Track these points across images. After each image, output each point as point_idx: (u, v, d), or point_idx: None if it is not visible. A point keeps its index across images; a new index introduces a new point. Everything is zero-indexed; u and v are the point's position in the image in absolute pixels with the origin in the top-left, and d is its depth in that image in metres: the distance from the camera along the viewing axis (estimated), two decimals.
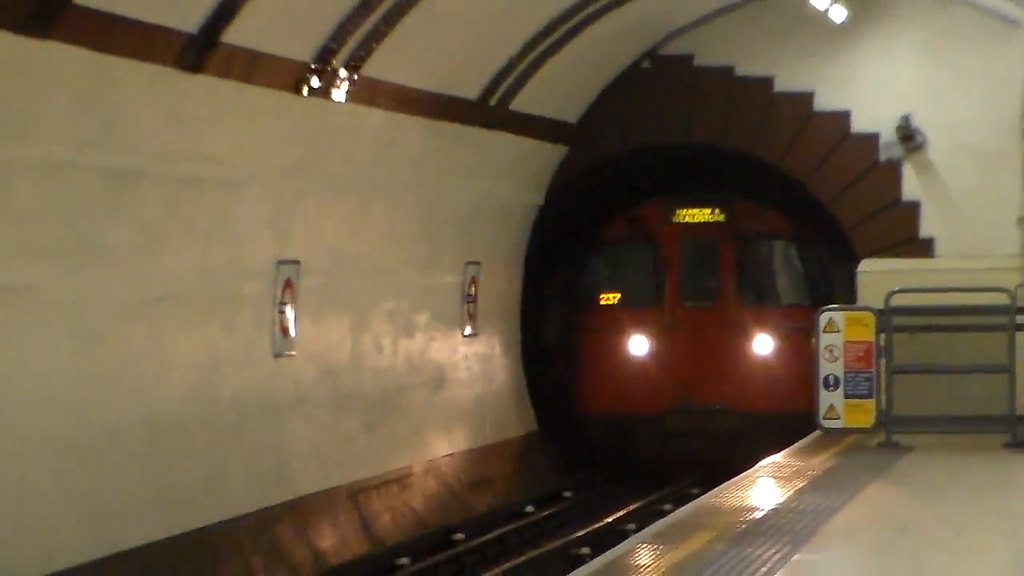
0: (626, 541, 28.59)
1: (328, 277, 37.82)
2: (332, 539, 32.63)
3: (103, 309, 24.43)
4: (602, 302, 31.38)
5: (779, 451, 31.43)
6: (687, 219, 31.87)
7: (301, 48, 30.09)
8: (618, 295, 31.53)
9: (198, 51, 27.52)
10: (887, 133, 45.86)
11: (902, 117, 45.54)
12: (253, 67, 29.93)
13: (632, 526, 34.93)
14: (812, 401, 34.23)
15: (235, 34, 28.86)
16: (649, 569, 23.88)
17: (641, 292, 31.50)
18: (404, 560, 31.82)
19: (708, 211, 32.41)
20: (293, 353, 37.17)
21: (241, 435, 34.91)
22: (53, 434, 26.72)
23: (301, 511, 34.27)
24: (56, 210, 25.32)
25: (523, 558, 32.55)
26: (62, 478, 27.11)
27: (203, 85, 28.62)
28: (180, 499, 31.92)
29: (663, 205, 34.13)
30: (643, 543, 25.06)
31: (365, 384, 35.69)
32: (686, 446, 30.98)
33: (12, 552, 25.83)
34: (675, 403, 31.63)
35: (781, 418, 30.32)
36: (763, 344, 30.63)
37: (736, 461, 29.84)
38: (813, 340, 43.89)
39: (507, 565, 32.41)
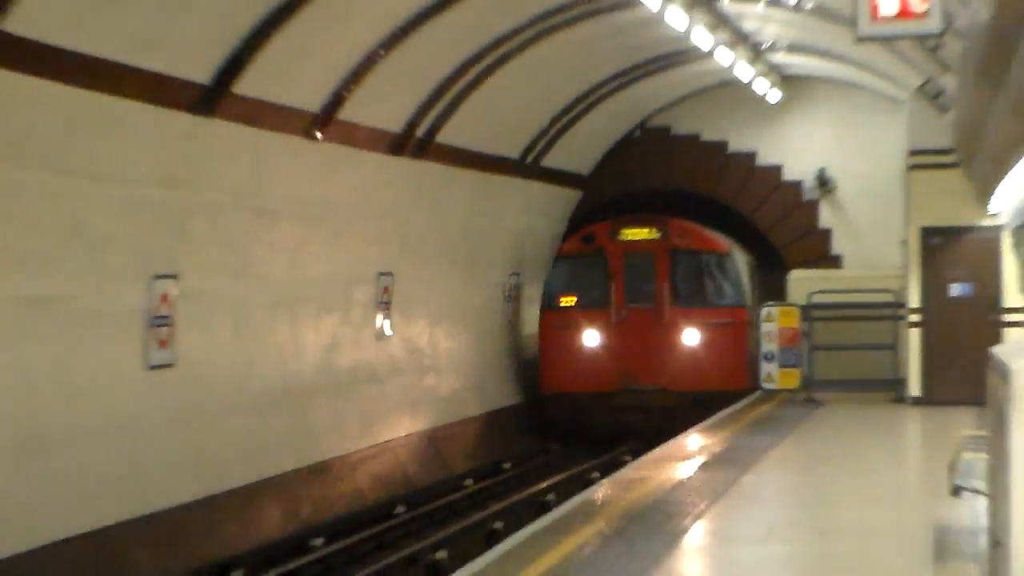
0: (624, 468, 29.73)
1: (413, 285, 37.12)
2: (417, 465, 33.64)
3: (255, 307, 24.49)
4: (562, 303, 31.83)
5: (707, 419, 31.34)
6: (630, 236, 31.90)
7: (393, 122, 29.95)
8: (575, 298, 31.82)
9: (319, 125, 27.58)
10: (808, 181, 46.96)
11: (819, 170, 46.80)
12: (357, 135, 29.78)
13: (596, 475, 34.11)
14: (732, 382, 36.08)
15: (345, 112, 28.74)
16: (643, 481, 25.91)
17: (593, 296, 31.53)
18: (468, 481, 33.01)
19: (647, 230, 32.25)
20: (390, 334, 37.44)
21: (355, 393, 34.89)
22: (222, 392, 27.23)
23: (396, 447, 34.99)
24: (221, 238, 25.86)
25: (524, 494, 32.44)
26: (230, 421, 27.74)
27: (322, 149, 28.61)
28: (310, 437, 32.33)
29: (610, 225, 33.98)
30: (632, 469, 26.19)
31: (439, 359, 35.77)
32: (630, 419, 31.15)
33: (220, 468, 27.13)
34: (621, 384, 31.45)
35: (706, 396, 30.58)
36: (691, 337, 30.63)
37: (670, 431, 30.13)
38: (758, 327, 45.04)
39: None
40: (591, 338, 30.29)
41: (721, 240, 32.25)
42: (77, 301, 19.40)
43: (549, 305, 32.73)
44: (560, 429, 33.17)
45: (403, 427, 36.03)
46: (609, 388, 30.49)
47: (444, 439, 35.55)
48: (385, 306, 36.92)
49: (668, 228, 31.86)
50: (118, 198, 20.47)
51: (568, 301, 31.26)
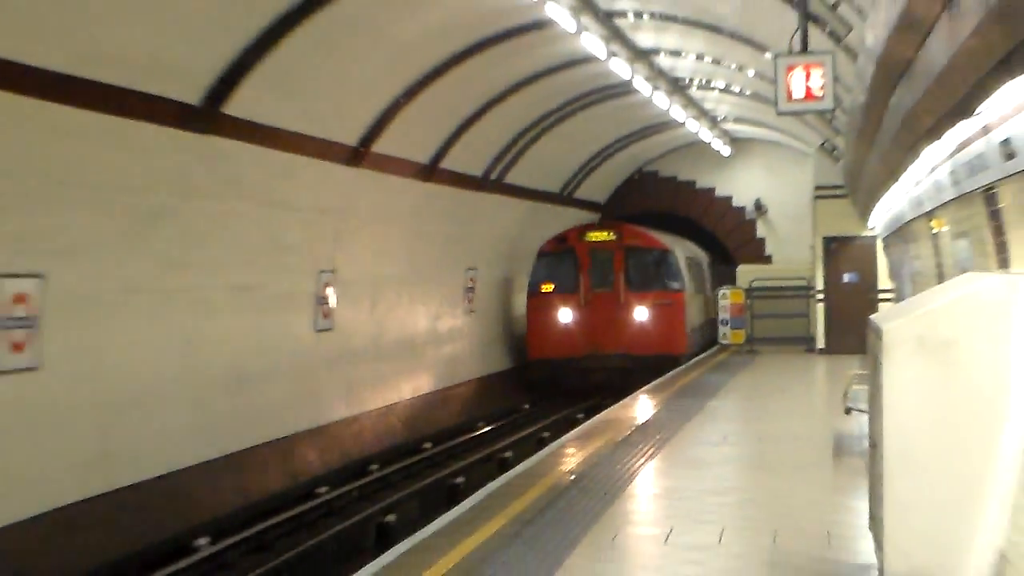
0: (626, 398, 28.26)
1: (484, 276, 37.21)
2: (435, 416, 31.44)
3: (385, 290, 23.75)
4: (543, 290, 31.11)
5: (656, 378, 30.23)
6: (593, 238, 31.39)
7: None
8: (553, 285, 31.34)
9: (356, 156, 24.99)
10: (749, 207, 47.08)
11: (756, 199, 47.06)
12: (388, 164, 26.89)
13: (581, 415, 31.72)
14: (673, 347, 34.34)
15: (379, 146, 25.87)
16: (640, 406, 24.17)
17: (566, 283, 31.02)
18: (483, 424, 32.13)
19: (606, 233, 31.84)
20: (474, 311, 37.06)
21: (449, 347, 34.66)
22: (362, 346, 26.17)
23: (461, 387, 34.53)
24: (361, 245, 25.08)
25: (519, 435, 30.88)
26: (368, 366, 26.50)
27: (357, 175, 25.50)
28: (422, 377, 31.48)
29: (579, 230, 33.59)
30: (631, 399, 24.82)
31: (440, 333, 33.05)
32: (595, 377, 30.71)
33: (361, 396, 26.41)
34: (588, 351, 30.94)
35: (654, 359, 30.09)
36: (641, 314, 30.15)
37: (629, 387, 29.00)
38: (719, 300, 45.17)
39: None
40: (564, 316, 30.04)
41: (664, 240, 31.84)
42: (270, 288, 19.54)
43: (532, 291, 32.18)
44: (543, 386, 32.40)
45: (472, 371, 35.65)
46: (579, 354, 30.16)
47: (451, 397, 33.99)
48: (471, 291, 36.43)
49: (622, 231, 31.45)
50: (297, 220, 20.47)
51: (547, 288, 30.85)
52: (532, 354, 31.31)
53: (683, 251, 34.88)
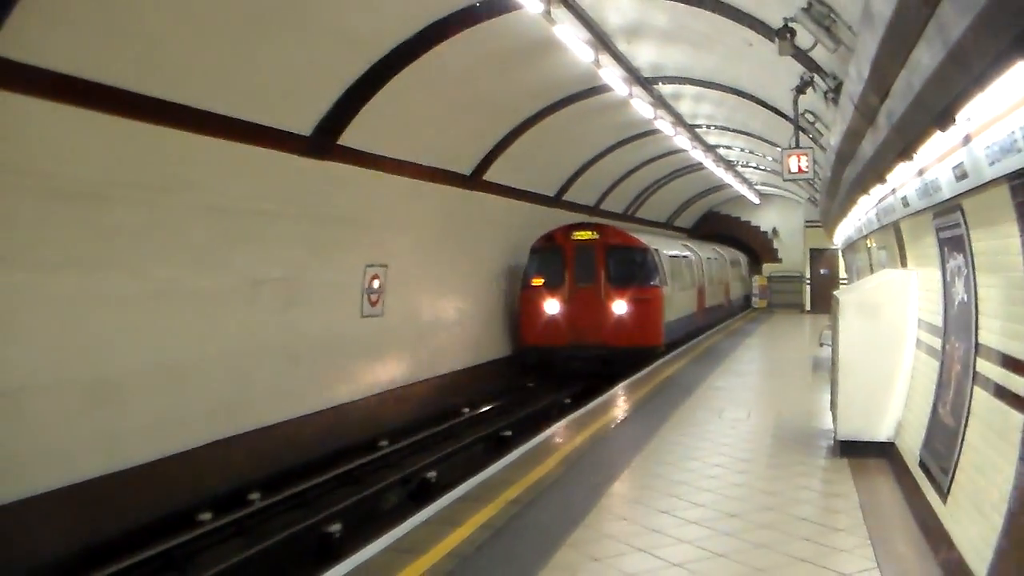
0: (618, 386, 17.09)
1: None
2: (450, 399, 19.07)
3: (426, 284, 18.21)
4: (533, 284, 22.72)
5: (633, 370, 20.25)
6: (578, 237, 22.85)
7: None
8: (543, 279, 22.69)
9: (470, 182, 18.55)
10: (770, 231, 45.22)
11: (773, 227, 45.03)
12: (495, 189, 20.28)
13: (578, 391, 21.82)
14: (649, 340, 22.83)
15: (488, 175, 19.07)
16: (650, 378, 20.18)
17: (554, 278, 22.50)
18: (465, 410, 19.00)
19: (590, 232, 23.17)
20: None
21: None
22: (402, 328, 17.49)
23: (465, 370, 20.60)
24: (409, 246, 17.24)
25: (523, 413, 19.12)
26: (403, 345, 17.66)
27: (472, 195, 18.87)
28: (447, 354, 19.41)
29: (565, 229, 23.89)
30: (629, 381, 17.60)
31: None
32: (578, 365, 22.63)
33: (397, 372, 17.41)
34: (571, 340, 22.57)
35: (631, 351, 22.14)
36: (621, 308, 22.19)
37: (609, 375, 21.30)
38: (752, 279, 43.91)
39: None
40: (551, 307, 22.28)
41: (644, 240, 23.61)
42: (328, 279, 15.08)
43: (525, 284, 23.37)
44: (534, 370, 23.79)
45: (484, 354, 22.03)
46: (563, 343, 22.40)
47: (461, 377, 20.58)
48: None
49: (605, 231, 23.08)
50: (353, 229, 15.51)
51: (538, 282, 22.63)
52: (524, 341, 23.46)
53: (667, 250, 25.72)
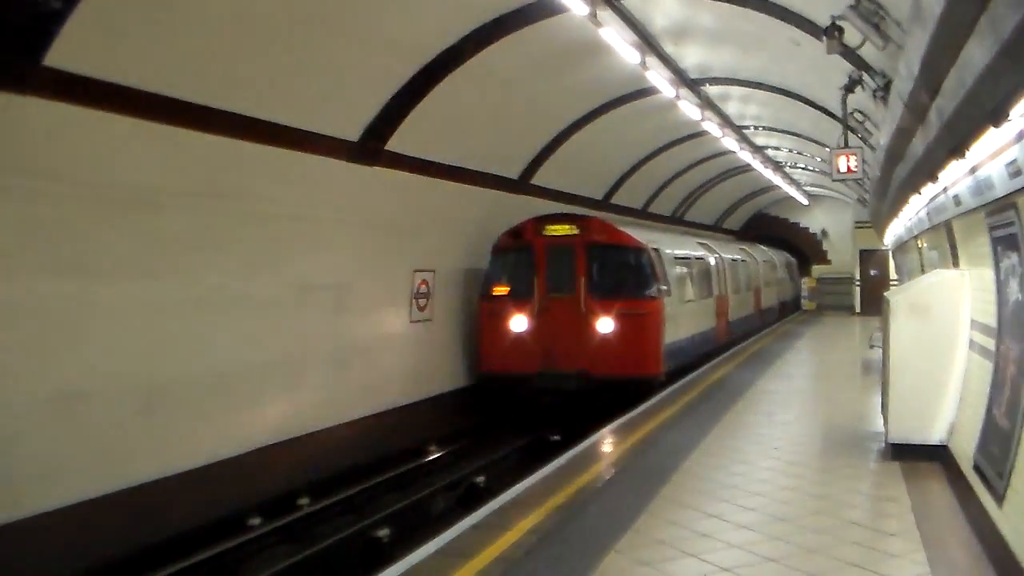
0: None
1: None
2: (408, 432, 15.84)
3: (469, 287, 17.73)
4: (495, 293, 17.85)
5: (622, 408, 15.19)
6: (552, 232, 17.97)
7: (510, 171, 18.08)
8: (507, 288, 17.83)
9: (518, 186, 18.32)
10: (819, 233, 44.91)
11: (822, 228, 44.73)
12: (544, 194, 19.56)
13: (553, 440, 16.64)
14: (643, 369, 17.37)
15: (536, 179, 18.95)
16: (692, 386, 19.34)
17: (521, 285, 17.63)
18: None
19: (567, 226, 18.25)
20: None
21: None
22: (448, 331, 17.36)
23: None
24: (454, 250, 17.18)
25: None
26: (450, 348, 17.63)
27: (521, 199, 18.51)
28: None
29: (536, 223, 18.62)
30: (614, 427, 18.51)
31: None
32: (550, 399, 17.71)
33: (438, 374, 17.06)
34: (541, 368, 17.51)
35: (619, 382, 17.22)
36: (606, 325, 17.28)
37: (587, 411, 16.60)
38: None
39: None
40: (517, 324, 17.49)
41: (638, 238, 18.48)
42: (376, 287, 14.87)
43: (484, 293, 18.22)
44: (495, 404, 18.57)
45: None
46: (530, 370, 17.38)
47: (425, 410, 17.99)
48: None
49: (587, 225, 18.12)
50: (401, 236, 15.37)
51: (501, 290, 17.85)
52: (482, 366, 18.02)
53: (673, 249, 20.27)
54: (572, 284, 17.27)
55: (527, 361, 17.21)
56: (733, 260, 27.34)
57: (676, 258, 19.85)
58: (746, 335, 28.13)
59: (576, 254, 17.33)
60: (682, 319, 19.30)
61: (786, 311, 38.85)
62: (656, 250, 18.20)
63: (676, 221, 32.90)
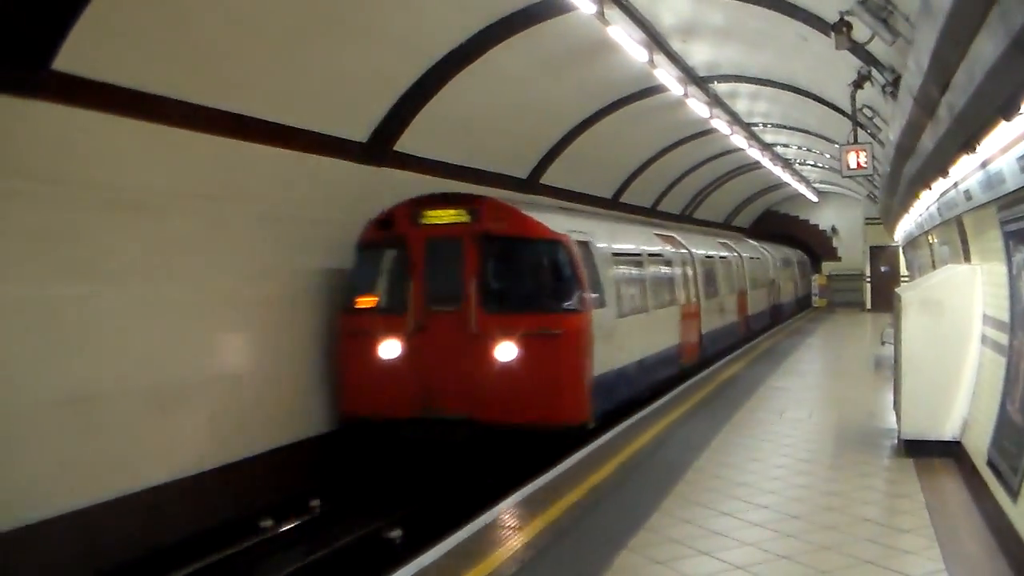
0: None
1: None
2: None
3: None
4: (359, 306, 11.75)
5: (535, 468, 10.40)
6: (434, 220, 11.63)
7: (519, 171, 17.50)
8: (374, 298, 11.85)
9: (526, 186, 17.90)
10: (829, 229, 44.93)
11: (832, 225, 44.74)
12: (553, 193, 18.97)
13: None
14: (557, 413, 11.57)
15: (544, 179, 18.63)
16: (702, 385, 18.96)
17: (392, 296, 11.60)
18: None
19: (454, 211, 11.81)
20: None
21: None
22: None
23: None
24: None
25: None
26: None
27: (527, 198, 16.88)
28: None
29: (413, 206, 12.08)
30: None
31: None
32: (428, 453, 11.81)
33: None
34: (417, 411, 11.46)
35: (524, 431, 11.29)
36: (506, 352, 11.08)
37: (477, 471, 11.83)
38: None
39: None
40: (388, 349, 11.82)
41: (554, 226, 12.27)
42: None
43: (346, 307, 12.25)
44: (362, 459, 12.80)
45: None
46: (402, 414, 11.85)
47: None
48: None
49: (481, 209, 11.94)
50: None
51: (366, 302, 12.09)
52: (342, 405, 12.71)
53: (615, 242, 14.80)
54: (460, 292, 12.04)
55: (399, 401, 12.13)
56: (710, 257, 21.60)
57: (617, 255, 14.43)
58: (729, 349, 22.90)
59: (466, 250, 12.10)
60: (627, 338, 13.98)
61: (780, 317, 33.71)
62: (584, 244, 12.91)
63: (685, 219, 32.71)
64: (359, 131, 12.86)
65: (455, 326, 11.99)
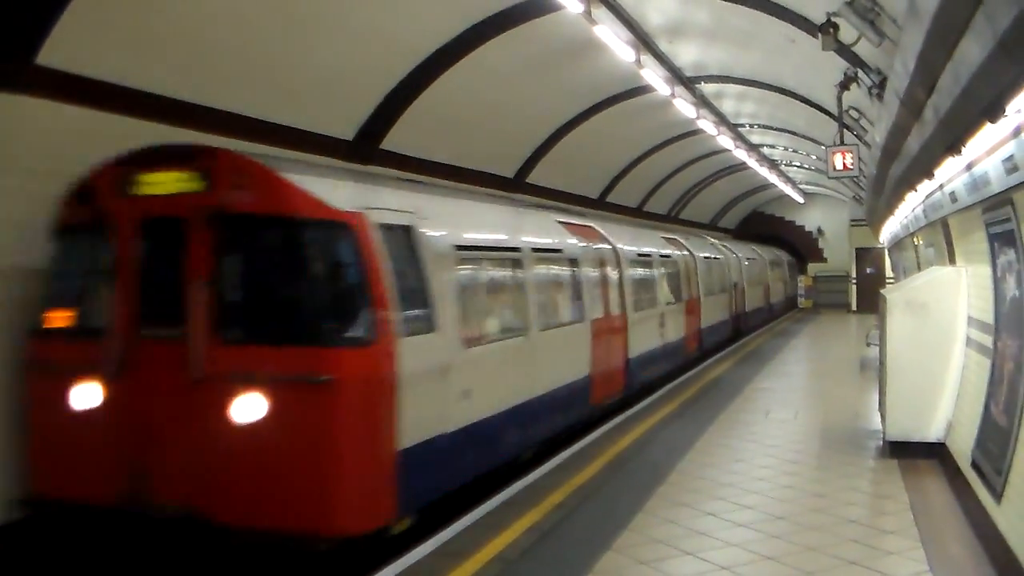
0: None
1: None
2: None
3: None
4: (51, 324, 5.82)
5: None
6: (150, 189, 6.02)
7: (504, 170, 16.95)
8: (72, 313, 5.85)
9: (512, 185, 17.70)
10: (815, 231, 44.76)
11: (818, 226, 44.54)
12: (540, 192, 18.92)
13: None
14: (328, 514, 6.34)
15: (531, 178, 18.43)
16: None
17: (93, 309, 5.76)
18: None
19: (176, 174, 6.23)
20: None
21: None
22: None
23: None
24: None
25: None
26: None
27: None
28: None
29: (121, 168, 6.51)
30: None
31: None
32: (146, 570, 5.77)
33: None
34: (123, 497, 5.92)
35: (274, 541, 5.87)
36: (250, 407, 5.71)
37: None
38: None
39: None
40: (83, 396, 6.15)
41: (337, 200, 6.73)
42: None
43: (34, 328, 6.52)
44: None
45: None
46: (103, 501, 6.11)
47: None
48: None
49: (215, 170, 6.35)
50: None
51: (61, 319, 6.17)
52: (32, 482, 7.06)
53: (451, 232, 8.72)
54: (181, 310, 7.18)
55: (95, 480, 7.33)
56: (644, 256, 16.70)
57: (467, 248, 9.31)
58: (671, 375, 17.94)
59: (190, 238, 7.23)
60: (483, 376, 9.07)
61: (746, 326, 28.10)
62: (397, 229, 7.93)
63: (672, 220, 32.61)
64: (346, 129, 12.85)
65: (174, 363, 7.06)
